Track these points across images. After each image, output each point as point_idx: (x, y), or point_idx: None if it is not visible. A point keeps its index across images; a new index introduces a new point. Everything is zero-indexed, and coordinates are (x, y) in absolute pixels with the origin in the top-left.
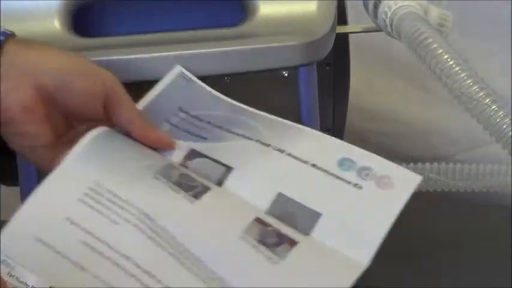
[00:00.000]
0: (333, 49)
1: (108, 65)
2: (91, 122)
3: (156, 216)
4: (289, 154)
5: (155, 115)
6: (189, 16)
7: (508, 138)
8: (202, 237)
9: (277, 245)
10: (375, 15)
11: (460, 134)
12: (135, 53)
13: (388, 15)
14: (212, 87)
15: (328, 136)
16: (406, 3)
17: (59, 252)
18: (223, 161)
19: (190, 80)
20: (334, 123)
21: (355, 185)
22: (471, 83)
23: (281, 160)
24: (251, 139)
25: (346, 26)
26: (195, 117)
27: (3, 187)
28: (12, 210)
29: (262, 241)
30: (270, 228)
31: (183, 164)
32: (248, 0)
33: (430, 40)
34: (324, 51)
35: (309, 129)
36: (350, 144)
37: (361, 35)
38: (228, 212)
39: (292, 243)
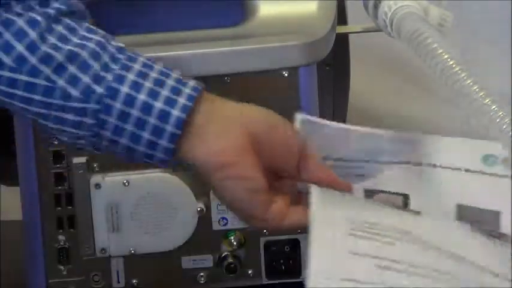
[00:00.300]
0: (333, 49)
1: None
2: (286, 175)
3: (411, 231)
4: (440, 166)
5: None
6: (189, 16)
7: (508, 138)
8: (457, 242)
9: (500, 238)
10: (375, 15)
11: (460, 134)
12: None
13: (388, 15)
14: (212, 87)
15: (463, 138)
16: (406, 3)
17: (364, 282)
18: (396, 191)
19: (314, 122)
20: None
21: (505, 176)
22: (471, 83)
23: (439, 175)
24: (401, 163)
25: (346, 26)
26: (339, 159)
27: (3, 187)
28: (12, 210)
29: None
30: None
31: None
32: (248, 0)
33: (430, 40)
34: (324, 51)
35: (443, 137)
36: (483, 141)
37: (361, 35)
38: (447, 223)
39: (503, 236)
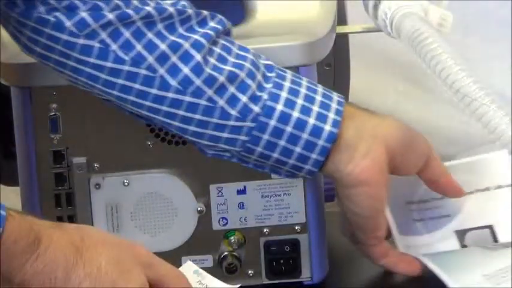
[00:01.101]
0: (333, 49)
1: None
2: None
3: None
4: (506, 185)
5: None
6: None
7: (507, 138)
8: None
9: None
10: (375, 15)
11: (460, 134)
12: None
13: (388, 15)
14: None
15: (502, 151)
16: (406, 3)
17: None
18: (481, 224)
19: None
20: None
21: None
22: (471, 83)
23: (507, 196)
24: (472, 192)
25: (346, 26)
26: (420, 201)
27: (3, 187)
28: None
29: None
30: None
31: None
32: (248, 1)
33: (430, 40)
34: (324, 51)
35: (491, 155)
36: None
37: (361, 35)
38: None
39: None
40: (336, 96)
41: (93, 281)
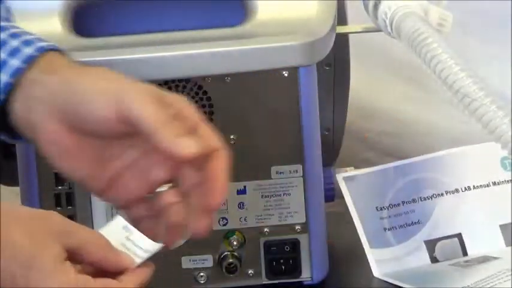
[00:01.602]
0: (333, 49)
1: (108, 65)
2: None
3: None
4: (474, 187)
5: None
6: (189, 16)
7: (507, 138)
8: None
9: None
10: (375, 15)
11: (460, 134)
12: (136, 53)
13: (388, 15)
14: (212, 87)
15: (472, 146)
16: (406, 3)
17: None
18: (450, 233)
19: (353, 176)
20: (334, 123)
21: None
22: (471, 83)
23: (476, 199)
24: (442, 195)
25: (346, 26)
26: (391, 206)
27: (3, 187)
28: None
29: None
30: None
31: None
32: (248, 0)
33: (430, 40)
34: (324, 51)
35: (458, 150)
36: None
37: (361, 35)
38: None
39: None
40: (17, 60)
41: (8, 259)
